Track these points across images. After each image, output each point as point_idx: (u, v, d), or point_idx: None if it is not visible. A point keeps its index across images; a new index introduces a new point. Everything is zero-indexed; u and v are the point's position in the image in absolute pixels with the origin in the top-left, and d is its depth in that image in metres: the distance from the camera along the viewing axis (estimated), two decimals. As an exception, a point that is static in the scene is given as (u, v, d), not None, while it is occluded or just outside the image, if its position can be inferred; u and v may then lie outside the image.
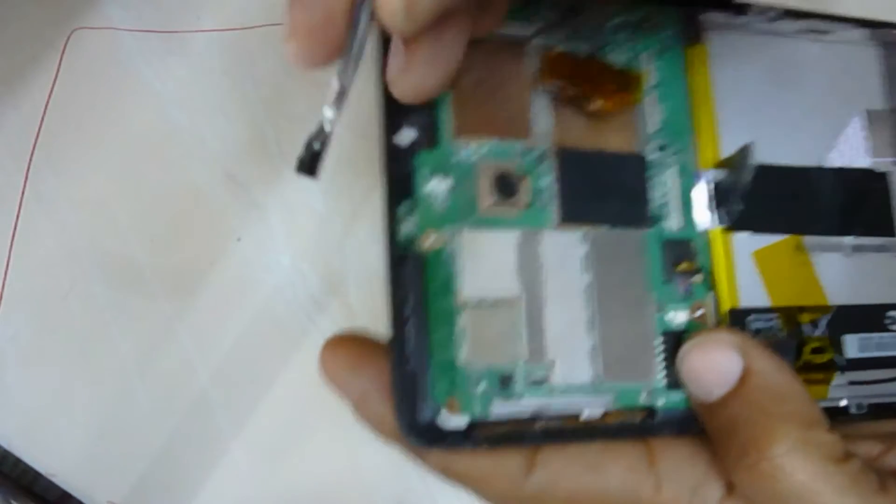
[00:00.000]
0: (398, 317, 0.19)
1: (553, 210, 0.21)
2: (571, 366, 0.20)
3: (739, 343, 0.20)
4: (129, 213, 0.39)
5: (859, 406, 0.22)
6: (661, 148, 0.22)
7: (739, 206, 0.22)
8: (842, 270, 0.23)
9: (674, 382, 0.21)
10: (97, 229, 0.39)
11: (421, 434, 0.19)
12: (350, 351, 0.20)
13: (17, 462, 0.37)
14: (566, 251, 0.21)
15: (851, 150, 0.24)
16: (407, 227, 0.19)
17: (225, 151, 0.40)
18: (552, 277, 0.20)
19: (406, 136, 0.20)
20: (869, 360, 0.23)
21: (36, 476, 0.37)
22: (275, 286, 0.39)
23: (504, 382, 0.19)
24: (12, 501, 0.36)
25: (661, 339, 0.21)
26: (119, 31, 0.41)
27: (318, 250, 0.39)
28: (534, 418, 0.20)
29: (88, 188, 0.39)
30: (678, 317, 0.21)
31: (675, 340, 0.21)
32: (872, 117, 0.25)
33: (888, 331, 0.23)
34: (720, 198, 0.22)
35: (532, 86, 0.21)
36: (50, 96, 0.40)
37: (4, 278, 0.38)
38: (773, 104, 0.24)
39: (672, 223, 0.22)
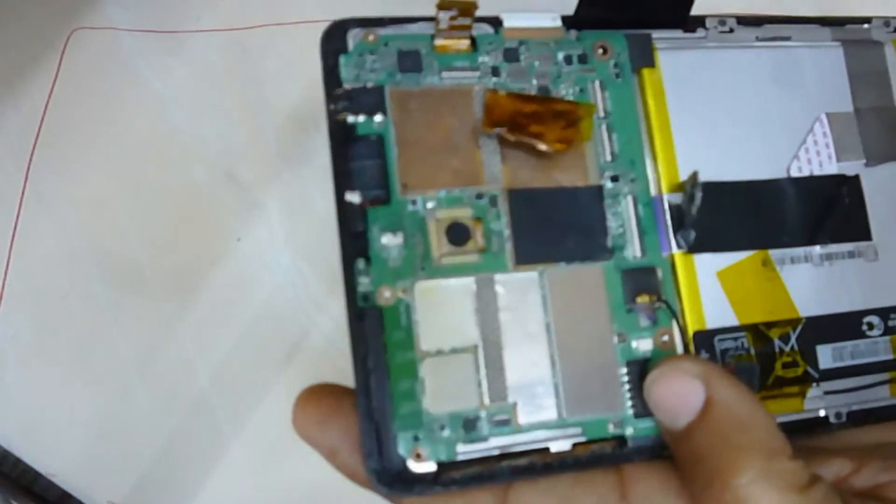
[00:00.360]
0: (361, 370, 0.19)
1: (508, 252, 0.21)
2: (535, 405, 0.20)
3: (701, 371, 0.20)
4: (129, 213, 0.39)
5: (838, 415, 0.22)
6: (614, 179, 0.22)
7: (692, 232, 0.22)
8: (812, 281, 0.23)
9: (641, 411, 0.21)
10: (97, 229, 0.39)
11: (391, 483, 0.19)
12: (318, 407, 0.21)
13: (17, 462, 0.37)
14: (523, 292, 0.21)
15: (816, 156, 0.24)
16: (364, 283, 0.20)
17: (225, 151, 0.40)
18: (511, 320, 0.20)
19: (357, 194, 0.20)
20: (844, 369, 0.23)
21: (36, 476, 0.37)
22: (275, 286, 0.39)
23: (468, 426, 0.20)
24: (12, 501, 0.36)
25: (625, 369, 0.21)
26: (119, 31, 0.41)
27: (318, 250, 0.39)
28: (502, 455, 0.20)
29: (88, 188, 0.39)
30: (642, 345, 0.21)
31: (641, 369, 0.21)
32: (835, 121, 0.24)
33: (867, 337, 0.23)
34: (677, 223, 0.22)
35: (480, 130, 0.21)
36: (50, 96, 0.40)
37: (4, 278, 0.38)
38: (733, 119, 0.23)
39: (630, 252, 0.22)
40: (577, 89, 0.22)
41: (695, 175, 0.21)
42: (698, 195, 0.21)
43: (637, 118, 0.23)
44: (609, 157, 0.22)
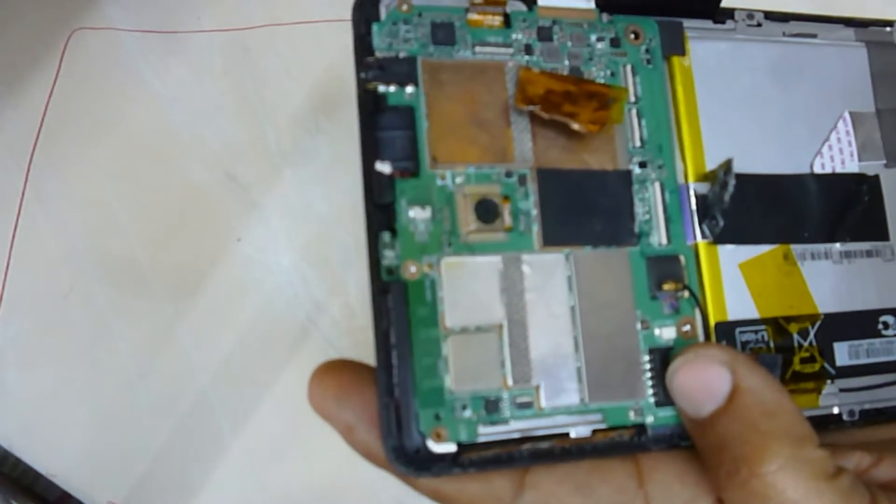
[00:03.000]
0: (383, 346, 0.19)
1: (535, 233, 0.21)
2: (557, 389, 0.20)
3: (728, 359, 0.20)
4: (129, 213, 0.39)
5: (851, 413, 0.22)
6: (642, 164, 0.22)
7: (720, 221, 0.22)
8: (832, 278, 0.23)
9: (663, 399, 0.21)
10: (97, 229, 0.39)
11: (409, 461, 0.19)
12: (336, 381, 0.20)
13: (17, 462, 0.37)
14: (549, 273, 0.21)
15: (839, 153, 0.24)
16: (389, 257, 0.19)
17: (225, 151, 0.40)
18: (536, 300, 0.20)
19: (388, 165, 0.20)
20: (859, 367, 0.23)
21: (36, 476, 0.37)
22: (275, 286, 0.39)
23: (489, 408, 0.19)
24: (12, 501, 0.36)
25: (647, 356, 0.21)
26: (119, 31, 0.41)
27: (318, 250, 0.39)
28: (522, 439, 0.20)
29: (88, 188, 0.39)
30: (665, 333, 0.21)
31: (663, 357, 0.21)
32: (858, 120, 0.24)
33: (882, 336, 0.23)
34: (703, 212, 0.22)
35: (513, 107, 0.21)
36: (50, 96, 0.40)
37: (4, 278, 0.38)
38: (758, 112, 0.23)
39: (656, 239, 0.22)
40: (608, 72, 0.22)
41: (729, 162, 0.21)
42: (731, 183, 0.21)
43: (666, 105, 0.22)
44: (638, 143, 0.22)
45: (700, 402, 0.20)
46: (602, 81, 0.22)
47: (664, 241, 0.22)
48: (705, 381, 0.20)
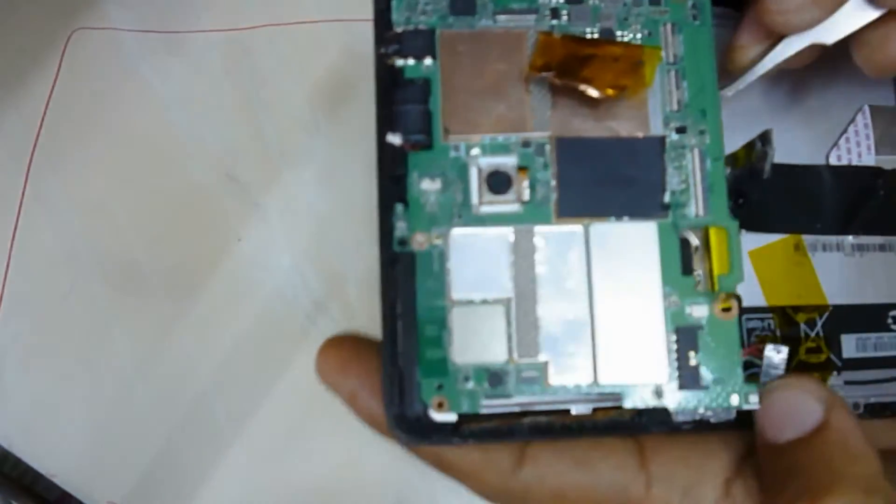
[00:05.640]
0: (389, 316, 0.19)
1: (552, 204, 0.20)
2: (568, 365, 0.20)
3: (825, 397, 0.20)
4: (129, 213, 0.39)
5: (856, 406, 0.22)
6: (680, 130, 0.20)
7: (757, 194, 0.21)
8: (842, 270, 0.23)
9: (688, 383, 0.20)
10: (97, 229, 0.39)
11: (410, 429, 0.19)
12: (342, 352, 0.21)
13: (17, 462, 0.37)
14: (565, 247, 0.20)
15: (856, 146, 0.24)
16: (401, 228, 0.19)
17: (225, 151, 0.40)
18: (548, 274, 0.20)
19: (399, 137, 0.20)
20: (866, 361, 0.23)
21: (36, 476, 0.37)
22: (275, 286, 0.39)
23: (493, 381, 0.19)
24: (12, 501, 0.36)
25: (674, 336, 0.20)
26: (119, 31, 0.41)
27: (318, 250, 0.39)
28: (523, 413, 0.20)
29: (88, 188, 0.39)
30: (696, 311, 0.20)
31: (692, 336, 0.20)
32: (876, 113, 0.24)
33: (891, 330, 0.23)
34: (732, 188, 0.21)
35: (530, 75, 0.20)
36: (50, 96, 0.40)
37: (4, 278, 0.38)
38: (774, 101, 0.23)
39: (693, 210, 0.20)
40: (645, 32, 0.21)
41: (767, 133, 0.21)
42: (771, 153, 0.21)
43: (713, 66, 0.21)
44: (675, 107, 0.21)
45: (783, 427, 0.19)
46: (635, 42, 0.21)
47: (702, 212, 0.20)
48: (797, 409, 0.19)
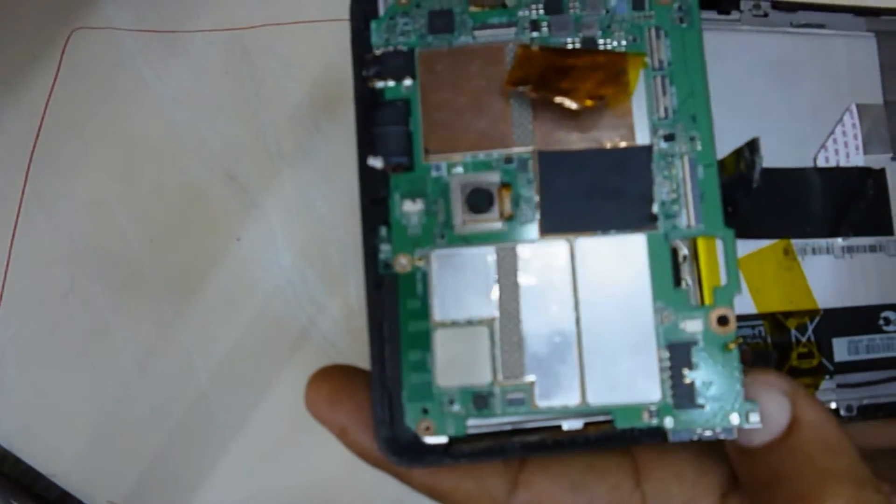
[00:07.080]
0: (377, 340, 0.19)
1: (535, 221, 0.20)
2: (555, 386, 0.19)
3: (789, 389, 0.18)
4: (129, 213, 0.39)
5: (849, 408, 0.22)
6: (669, 138, 0.20)
7: (747, 203, 0.21)
8: (833, 273, 0.23)
9: (684, 402, 0.19)
10: (97, 229, 0.39)
11: (401, 452, 0.19)
12: (330, 385, 0.20)
13: (17, 462, 0.37)
14: (549, 263, 0.19)
15: (843, 147, 0.24)
16: (385, 250, 0.19)
17: (225, 151, 0.40)
18: (533, 292, 0.19)
19: (379, 160, 0.20)
20: (858, 363, 0.23)
21: (36, 476, 0.37)
22: (275, 286, 0.39)
23: (479, 403, 0.19)
24: (12, 501, 0.36)
25: (667, 352, 0.19)
26: (119, 31, 0.41)
27: (318, 250, 0.39)
28: (513, 431, 0.19)
29: (88, 188, 0.39)
30: (690, 326, 0.19)
31: (685, 352, 0.19)
32: (864, 112, 0.24)
33: (882, 332, 0.23)
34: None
35: (507, 89, 0.20)
36: (50, 96, 0.40)
37: (4, 278, 0.38)
38: (761, 104, 0.23)
39: (684, 220, 0.19)
40: (630, 39, 0.20)
41: (755, 141, 0.20)
42: (759, 162, 0.20)
43: (703, 69, 0.20)
44: (663, 114, 0.20)
45: (753, 430, 0.18)
46: (618, 50, 0.20)
47: (693, 222, 0.19)
48: (764, 407, 0.18)
